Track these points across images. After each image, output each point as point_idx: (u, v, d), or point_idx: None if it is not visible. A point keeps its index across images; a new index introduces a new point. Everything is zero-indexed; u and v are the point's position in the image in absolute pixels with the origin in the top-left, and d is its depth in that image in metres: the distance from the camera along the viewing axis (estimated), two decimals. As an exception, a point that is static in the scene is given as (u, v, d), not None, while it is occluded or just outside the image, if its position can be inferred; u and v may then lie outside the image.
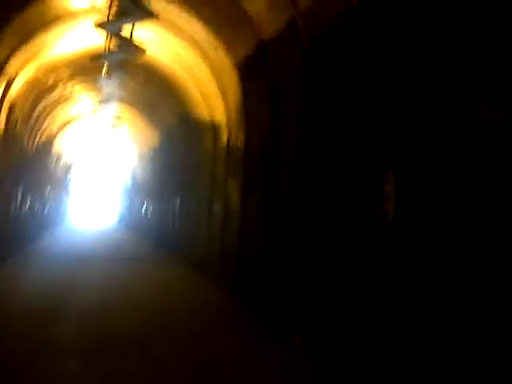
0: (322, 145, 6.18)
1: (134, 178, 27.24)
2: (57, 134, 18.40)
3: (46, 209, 20.54)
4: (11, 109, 11.65)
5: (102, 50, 10.50)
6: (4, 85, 10.52)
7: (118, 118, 17.48)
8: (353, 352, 5.03)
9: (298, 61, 6.96)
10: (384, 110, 4.91)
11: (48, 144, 18.20)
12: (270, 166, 7.88)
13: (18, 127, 12.78)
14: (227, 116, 10.28)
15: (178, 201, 15.03)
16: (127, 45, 9.30)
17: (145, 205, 22.97)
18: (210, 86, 10.73)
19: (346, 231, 5.38)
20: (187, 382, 4.81)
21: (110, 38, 9.43)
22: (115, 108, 15.96)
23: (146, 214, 22.62)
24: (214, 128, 11.20)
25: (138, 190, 25.94)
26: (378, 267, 4.75)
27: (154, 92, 13.97)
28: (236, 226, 9.38)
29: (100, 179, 40.09)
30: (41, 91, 13.32)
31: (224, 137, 10.57)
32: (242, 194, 9.24)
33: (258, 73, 8.56)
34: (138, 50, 9.38)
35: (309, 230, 6.31)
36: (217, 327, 6.98)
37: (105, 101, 14.49)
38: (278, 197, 7.44)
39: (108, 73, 11.54)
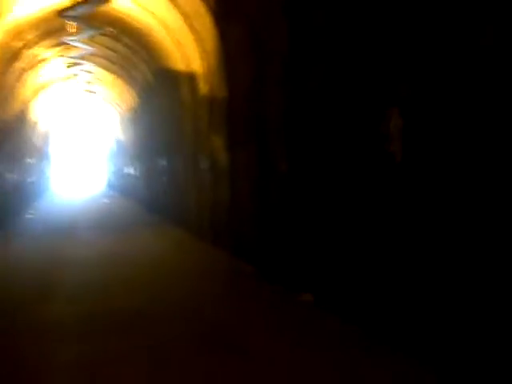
0: (314, 88, 5.70)
1: (117, 141, 26.57)
2: (31, 101, 17.63)
3: (28, 181, 19.96)
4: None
5: (67, 4, 9.79)
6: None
7: (93, 80, 16.74)
8: (363, 301, 4.73)
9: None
10: (385, 44, 4.42)
11: (23, 112, 17.46)
12: (257, 116, 7.41)
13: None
14: (205, 65, 9.68)
15: (164, 161, 14.54)
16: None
17: (131, 168, 22.45)
18: (183, 34, 10.06)
19: (350, 178, 4.98)
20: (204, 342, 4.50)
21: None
22: (88, 69, 15.21)
23: (132, 177, 22.13)
24: (192, 79, 10.61)
25: (122, 153, 25.33)
26: (387, 213, 4.41)
27: (127, 48, 13.24)
28: (226, 184, 8.98)
29: (82, 145, 39.22)
30: (9, 57, 12.60)
31: (203, 88, 10.01)
32: (230, 150, 8.78)
33: (235, 15, 7.98)
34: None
35: (308, 181, 5.90)
36: (223, 289, 6.69)
37: (76, 63, 13.76)
38: (270, 150, 7.01)
39: (77, 31, 10.82)
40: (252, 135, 7.65)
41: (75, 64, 13.99)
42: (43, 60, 14.54)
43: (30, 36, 12.22)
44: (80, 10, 9.15)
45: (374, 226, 4.56)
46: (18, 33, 11.49)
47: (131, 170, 22.32)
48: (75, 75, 15.63)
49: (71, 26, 10.46)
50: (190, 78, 10.68)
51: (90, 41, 11.93)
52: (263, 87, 7.15)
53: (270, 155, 6.96)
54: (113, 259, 8.86)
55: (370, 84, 4.62)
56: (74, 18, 9.55)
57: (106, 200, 23.67)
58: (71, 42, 11.32)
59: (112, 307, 5.85)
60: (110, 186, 32.96)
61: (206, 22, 8.92)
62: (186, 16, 9.55)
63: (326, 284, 5.45)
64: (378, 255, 4.51)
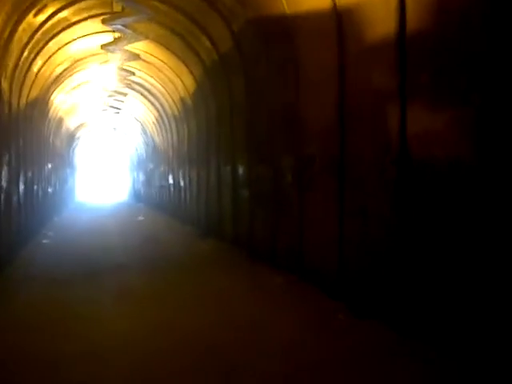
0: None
1: (152, 143, 22.12)
2: (54, 85, 13.15)
3: (48, 191, 15.57)
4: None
5: None
6: None
7: (133, 52, 12.24)
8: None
9: None
10: None
11: (42, 101, 13.01)
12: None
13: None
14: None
15: (241, 169, 10.04)
16: None
17: (172, 177, 18.04)
18: None
19: None
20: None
21: None
22: (130, 35, 10.64)
23: (174, 188, 17.71)
24: (341, 24, 5.99)
25: (157, 159, 20.99)
26: None
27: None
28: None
29: (109, 147, 34.56)
30: (22, 12, 8.23)
31: (380, 26, 5.28)
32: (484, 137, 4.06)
33: None
34: None
35: None
36: None
37: (116, 17, 9.35)
38: None
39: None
40: None
41: (111, 19, 9.43)
42: (72, 22, 10.13)
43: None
44: None
45: None
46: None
47: (172, 180, 17.92)
48: (112, 46, 11.11)
49: None
50: (339, 19, 6.00)
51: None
52: None
53: None
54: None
55: None
56: None
57: (141, 217, 19.09)
58: None
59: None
60: (137, 195, 28.63)
61: None
62: None
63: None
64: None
